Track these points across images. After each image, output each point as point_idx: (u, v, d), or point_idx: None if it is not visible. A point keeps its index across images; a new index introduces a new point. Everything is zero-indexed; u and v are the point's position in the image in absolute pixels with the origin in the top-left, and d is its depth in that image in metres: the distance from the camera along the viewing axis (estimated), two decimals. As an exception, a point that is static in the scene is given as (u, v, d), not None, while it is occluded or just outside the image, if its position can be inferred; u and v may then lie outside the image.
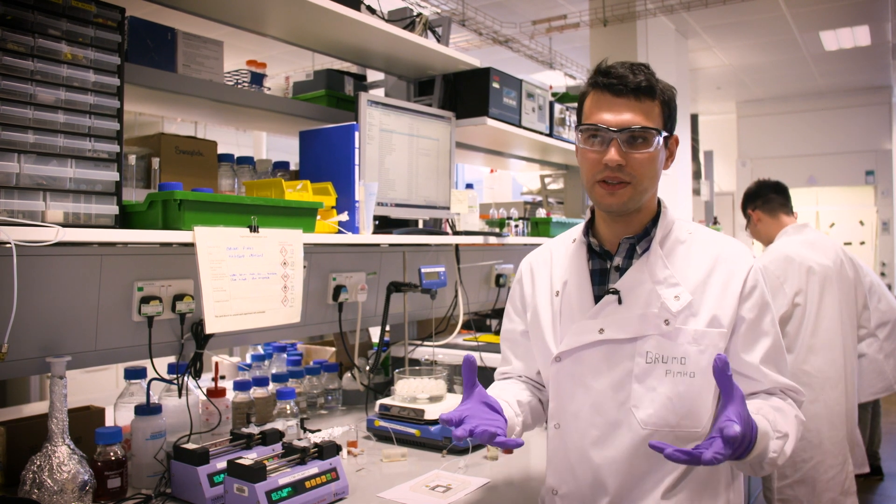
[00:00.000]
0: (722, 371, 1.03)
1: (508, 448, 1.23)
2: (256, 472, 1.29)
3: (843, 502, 2.71)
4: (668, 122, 1.27)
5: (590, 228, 1.37)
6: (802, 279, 2.75)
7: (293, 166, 2.13)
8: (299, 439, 1.62)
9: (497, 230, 2.63)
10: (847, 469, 2.74)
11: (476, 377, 1.25)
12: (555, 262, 1.41)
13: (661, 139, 1.24)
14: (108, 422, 1.63)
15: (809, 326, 2.74)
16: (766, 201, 3.06)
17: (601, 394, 1.28)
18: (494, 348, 2.22)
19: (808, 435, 2.67)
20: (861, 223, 9.15)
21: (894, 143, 8.92)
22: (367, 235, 1.88)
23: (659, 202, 1.35)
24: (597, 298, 1.30)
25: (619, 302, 1.27)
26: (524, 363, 1.49)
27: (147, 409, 1.51)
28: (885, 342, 3.10)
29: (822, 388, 2.71)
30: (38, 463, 1.27)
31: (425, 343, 2.29)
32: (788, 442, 1.18)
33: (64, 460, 1.28)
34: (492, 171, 4.20)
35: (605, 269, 1.33)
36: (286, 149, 3.68)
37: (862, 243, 9.08)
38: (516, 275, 1.51)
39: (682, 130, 6.60)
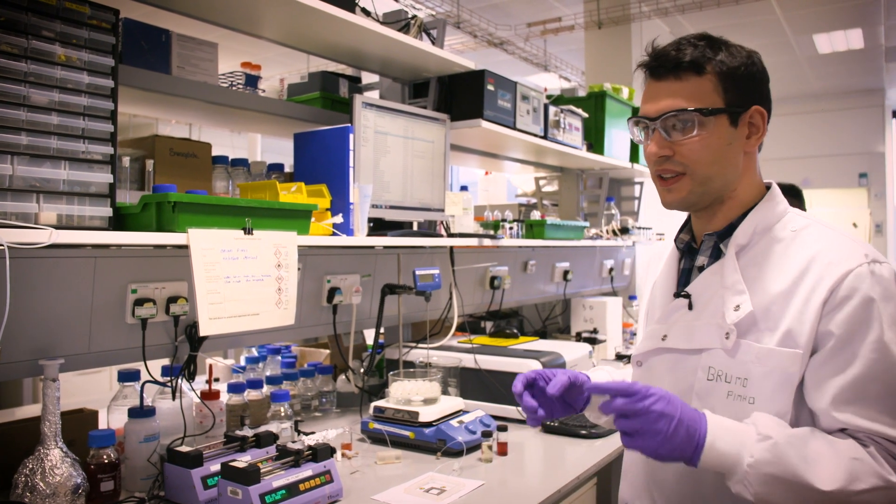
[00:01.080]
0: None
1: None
2: (250, 475, 1.28)
3: None
4: (733, 95, 1.10)
5: (688, 223, 1.25)
6: None
7: (288, 168, 2.13)
8: (293, 442, 1.62)
9: (492, 232, 2.63)
10: None
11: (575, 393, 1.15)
12: (664, 258, 1.31)
13: (719, 118, 1.10)
14: (102, 424, 1.62)
15: None
16: None
17: None
18: (489, 350, 2.22)
19: None
20: (854, 225, 9.20)
21: (887, 145, 8.98)
22: (361, 237, 1.88)
23: (769, 190, 1.18)
24: None
25: (690, 307, 1.15)
26: None
27: (141, 412, 1.51)
28: None
29: None
30: (31, 466, 1.27)
31: (420, 345, 2.29)
32: (790, 450, 0.95)
33: (56, 463, 1.27)
34: (486, 173, 4.19)
35: (692, 268, 1.22)
36: (281, 151, 3.67)
37: (855, 245, 9.12)
38: None
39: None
